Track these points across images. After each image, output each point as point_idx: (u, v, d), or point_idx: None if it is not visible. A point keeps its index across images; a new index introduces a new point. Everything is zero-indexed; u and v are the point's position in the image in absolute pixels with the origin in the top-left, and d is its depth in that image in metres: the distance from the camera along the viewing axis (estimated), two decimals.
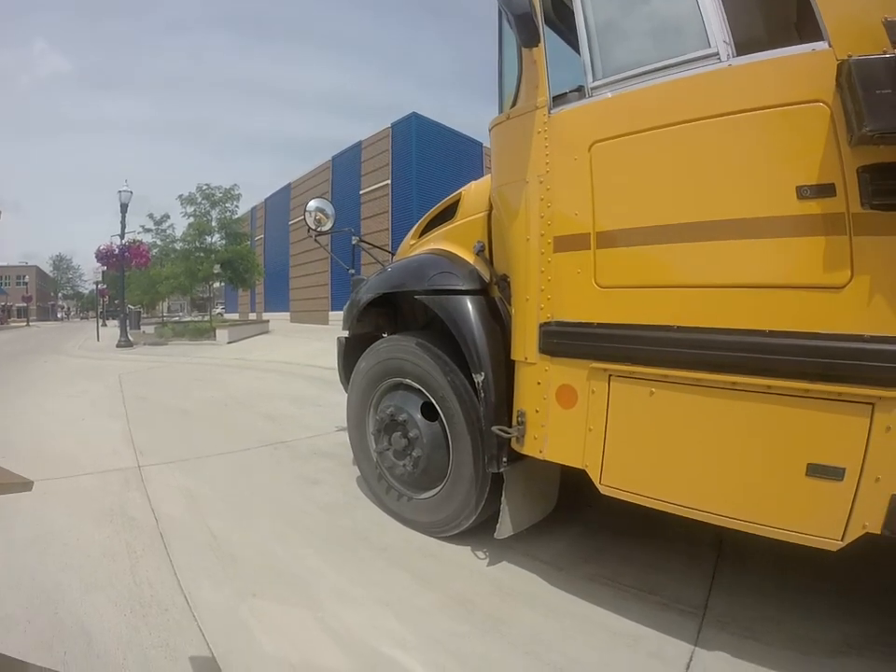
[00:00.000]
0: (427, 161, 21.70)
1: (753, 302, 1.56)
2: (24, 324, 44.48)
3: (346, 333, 3.30)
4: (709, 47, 1.68)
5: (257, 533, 2.62)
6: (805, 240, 1.48)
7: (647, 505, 1.82)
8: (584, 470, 1.94)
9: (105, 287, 31.85)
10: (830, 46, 1.44)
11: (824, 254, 1.45)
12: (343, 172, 26.06)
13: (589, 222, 1.88)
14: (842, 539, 1.44)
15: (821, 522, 1.48)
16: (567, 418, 1.96)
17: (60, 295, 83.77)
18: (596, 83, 1.93)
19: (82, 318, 68.70)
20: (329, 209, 3.77)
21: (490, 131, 2.34)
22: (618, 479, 1.87)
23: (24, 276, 71.41)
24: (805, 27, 1.58)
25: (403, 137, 22.33)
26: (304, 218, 3.75)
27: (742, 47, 1.68)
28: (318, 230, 3.71)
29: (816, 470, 1.46)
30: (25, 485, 1.06)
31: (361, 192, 24.25)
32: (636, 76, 1.83)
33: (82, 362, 11.51)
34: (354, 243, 3.84)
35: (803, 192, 1.47)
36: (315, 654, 1.75)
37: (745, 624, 1.87)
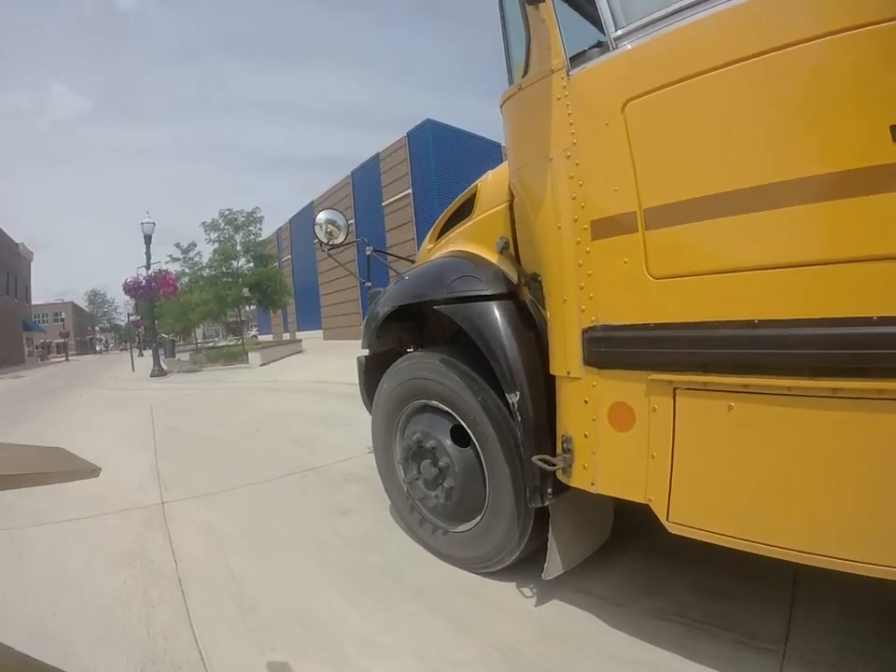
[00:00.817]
0: (447, 167, 21.65)
1: (856, 281, 1.20)
2: (63, 359, 46.00)
3: (366, 351, 3.03)
4: None
5: (280, 573, 2.44)
6: None
7: (728, 545, 1.48)
8: (646, 505, 1.60)
9: (138, 318, 32.70)
10: None
11: None
12: (364, 185, 26.29)
13: (633, 199, 1.53)
14: None
15: None
16: (624, 443, 1.61)
17: (97, 328, 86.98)
18: (620, 32, 1.59)
19: (122, 350, 70.96)
20: (341, 220, 3.54)
21: (501, 107, 2.03)
22: (690, 515, 1.52)
23: (60, 313, 74.71)
24: None
25: (420, 145, 22.38)
26: (314, 232, 3.51)
27: None
28: (331, 243, 3.48)
29: None
30: (93, 472, 1.09)
31: (383, 204, 24.36)
32: (667, 16, 1.48)
33: (116, 394, 11.71)
34: (368, 253, 3.58)
35: None
36: None
37: (830, 660, 1.61)
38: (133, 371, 18.72)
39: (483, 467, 2.15)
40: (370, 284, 3.41)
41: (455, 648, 1.83)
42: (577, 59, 1.70)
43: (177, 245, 20.08)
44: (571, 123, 1.67)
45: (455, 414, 2.25)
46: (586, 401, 1.70)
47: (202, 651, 1.88)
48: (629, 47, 1.56)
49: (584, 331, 1.67)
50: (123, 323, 74.66)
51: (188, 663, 1.82)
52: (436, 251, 2.73)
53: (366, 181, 25.96)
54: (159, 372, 15.56)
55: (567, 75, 1.69)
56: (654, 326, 1.51)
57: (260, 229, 20.11)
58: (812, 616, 1.82)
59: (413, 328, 2.99)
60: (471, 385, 2.13)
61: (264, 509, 3.31)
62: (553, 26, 1.73)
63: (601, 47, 1.65)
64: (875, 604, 1.79)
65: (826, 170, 1.22)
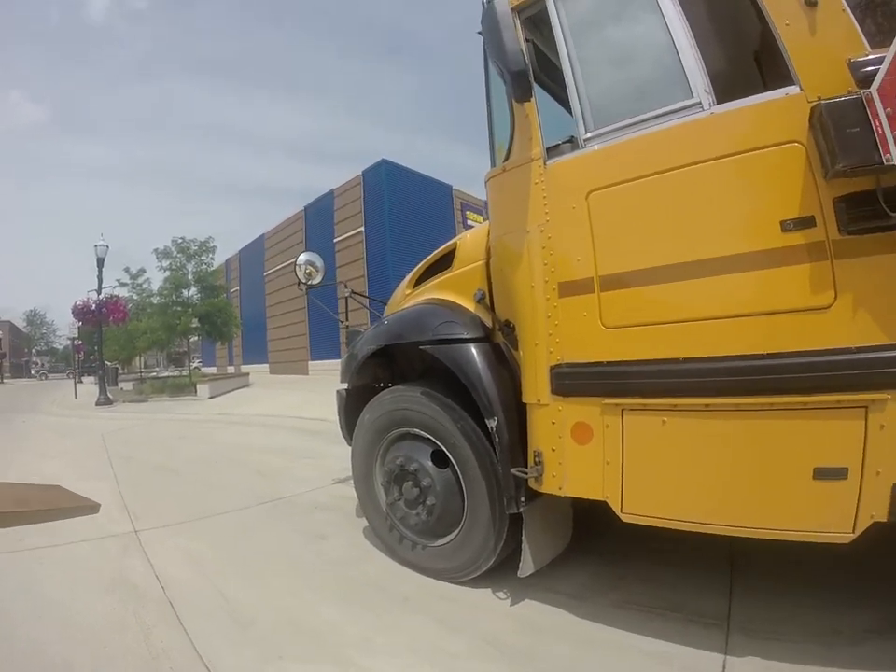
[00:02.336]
0: (399, 206, 22.07)
1: (750, 329, 1.70)
2: None
3: (345, 386, 3.31)
4: (692, 97, 1.85)
5: (271, 592, 2.57)
6: (792, 268, 1.64)
7: (668, 527, 1.91)
8: (604, 501, 2.01)
9: (80, 342, 31.24)
10: (801, 90, 1.63)
11: (810, 279, 1.62)
12: (317, 221, 26.30)
13: (591, 267, 2.00)
14: (853, 532, 1.57)
15: (832, 518, 1.61)
16: (585, 454, 2.04)
17: (34, 351, 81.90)
18: (589, 135, 2.08)
19: (63, 375, 67.01)
20: (319, 262, 3.84)
21: (486, 183, 2.46)
22: (638, 506, 1.95)
23: None
24: (778, 72, 1.75)
25: (374, 184, 22.70)
26: (294, 272, 3.80)
27: (724, 93, 1.85)
28: (309, 283, 3.77)
29: (822, 473, 1.61)
30: (93, 508, 1.11)
31: (335, 240, 24.43)
32: (625, 126, 1.98)
33: (62, 421, 11.30)
34: (347, 295, 3.89)
35: (786, 226, 1.64)
36: None
37: (769, 627, 1.96)
38: (76, 398, 17.91)
39: (461, 485, 2.47)
40: (347, 323, 3.71)
41: (446, 642, 2.09)
42: (552, 151, 2.18)
43: (126, 270, 19.39)
44: (546, 204, 2.14)
45: (435, 440, 2.57)
46: (553, 422, 2.12)
47: (208, 665, 1.97)
48: (595, 147, 2.06)
49: (552, 368, 2.11)
50: (61, 347, 70.70)
51: None
52: (413, 297, 3.08)
53: (319, 217, 26.02)
54: (104, 401, 15.00)
55: (545, 164, 2.16)
56: (607, 363, 1.97)
57: (212, 258, 19.82)
58: (748, 593, 2.21)
59: (386, 365, 3.30)
60: (451, 413, 2.47)
61: (241, 535, 3.40)
62: (535, 121, 2.21)
63: (572, 142, 2.14)
64: (806, 577, 2.22)
65: (731, 252, 1.74)
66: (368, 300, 4.06)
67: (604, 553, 2.73)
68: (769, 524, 1.72)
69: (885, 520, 1.53)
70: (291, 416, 9.42)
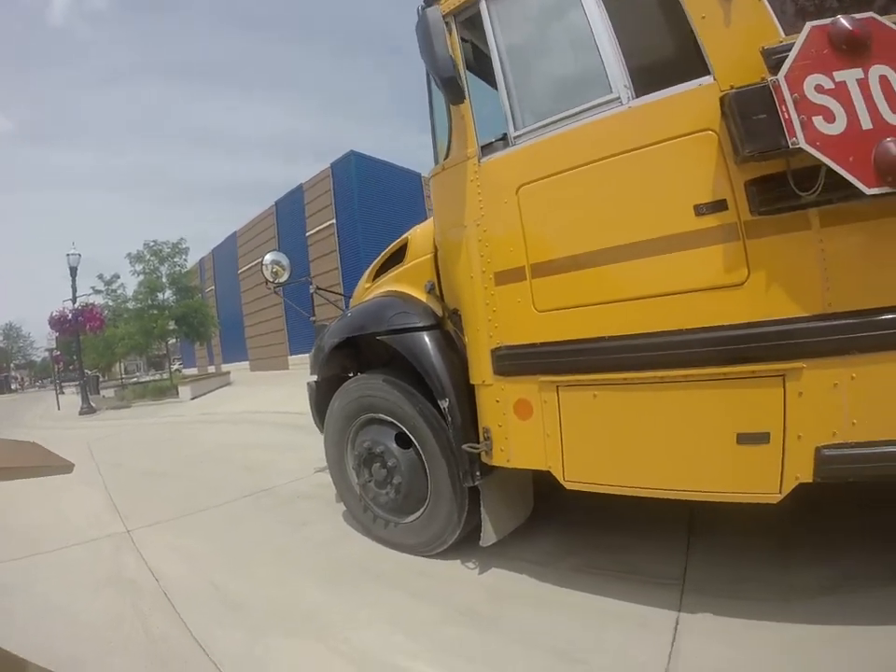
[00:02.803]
0: (369, 197, 21.99)
1: (669, 307, 1.84)
2: None
3: (315, 377, 3.48)
4: (611, 92, 1.97)
5: (258, 578, 2.71)
6: (707, 249, 1.77)
7: (608, 492, 2.08)
8: (549, 472, 2.18)
9: (59, 353, 30.84)
10: (714, 79, 1.74)
11: (724, 258, 1.74)
12: (288, 215, 26.12)
13: (523, 256, 2.16)
14: (780, 492, 1.69)
15: (759, 480, 1.74)
16: (527, 428, 2.21)
17: (12, 365, 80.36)
18: (518, 132, 2.22)
19: (39, 387, 65.73)
20: (285, 261, 3.96)
21: (430, 181, 2.61)
22: (578, 474, 2.12)
23: None
24: (698, 64, 1.83)
25: (343, 176, 22.59)
26: (262, 272, 3.92)
27: (643, 87, 1.96)
28: (276, 282, 3.91)
29: (744, 438, 1.74)
30: (66, 468, 1.09)
31: (307, 234, 24.33)
32: (551, 123, 2.12)
33: (47, 433, 11.19)
34: (312, 291, 4.04)
35: (699, 210, 1.77)
36: None
37: (723, 586, 2.09)
38: (59, 409, 17.76)
39: (423, 463, 2.65)
40: (314, 318, 3.87)
41: (419, 611, 2.26)
42: (486, 149, 2.32)
43: (100, 277, 19.28)
44: (481, 200, 2.29)
45: (397, 423, 2.75)
46: (498, 401, 2.30)
47: (203, 647, 2.11)
48: (524, 144, 2.20)
49: (493, 351, 2.28)
50: (39, 359, 69.28)
51: (193, 657, 2.06)
52: (373, 290, 3.24)
53: (290, 211, 25.85)
54: (87, 410, 14.91)
55: (479, 162, 2.30)
56: (541, 344, 2.13)
57: (185, 260, 19.71)
58: (705, 556, 2.35)
59: (353, 355, 3.45)
60: (410, 397, 2.65)
61: (228, 527, 3.56)
62: (469, 122, 2.34)
63: (504, 140, 2.28)
64: (763, 539, 2.35)
65: (650, 236, 1.87)
66: (334, 295, 4.20)
67: (567, 523, 2.90)
68: (699, 486, 1.86)
69: (810, 480, 1.63)
70: (273, 412, 9.50)
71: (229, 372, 22.44)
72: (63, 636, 2.33)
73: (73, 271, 16.02)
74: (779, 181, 1.61)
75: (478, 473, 2.39)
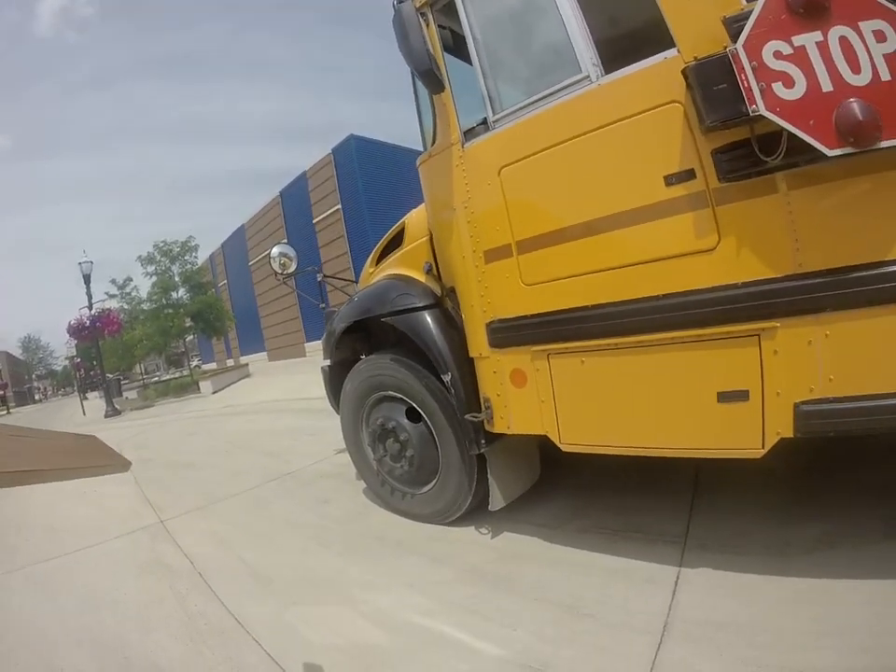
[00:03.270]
0: (373, 179, 21.86)
1: (646, 275, 1.92)
2: (5, 412, 43.16)
3: (328, 362, 3.63)
4: (581, 71, 2.03)
5: (285, 554, 2.89)
6: (678, 217, 1.83)
7: (602, 452, 2.19)
8: (546, 436, 2.30)
9: (79, 360, 31.48)
10: (679, 52, 1.77)
11: (694, 225, 1.80)
12: (294, 204, 26.08)
13: (508, 234, 2.25)
14: (763, 448, 1.75)
15: (741, 437, 1.80)
16: (523, 396, 2.33)
17: (34, 376, 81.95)
18: (496, 116, 2.30)
19: (63, 395, 67.11)
20: (291, 252, 4.08)
21: (418, 168, 2.70)
22: (573, 437, 2.23)
23: None
24: (665, 36, 1.85)
25: (345, 160, 22.44)
26: (270, 265, 4.06)
27: (613, 63, 2.01)
28: (285, 273, 4.04)
29: (725, 397, 1.80)
30: (125, 465, 1.08)
31: (314, 221, 24.30)
32: (525, 106, 2.20)
33: None
34: (319, 279, 4.17)
35: (669, 180, 1.82)
36: (357, 636, 2.04)
37: (723, 542, 2.17)
38: (85, 414, 18.10)
39: (433, 435, 2.79)
40: (323, 305, 4.00)
41: (435, 574, 2.41)
42: (469, 134, 2.41)
43: (113, 281, 19.63)
44: (466, 183, 2.39)
45: (407, 399, 2.89)
46: (495, 371, 2.42)
47: (237, 618, 2.28)
48: (503, 128, 2.28)
49: (487, 324, 2.40)
50: (60, 367, 70.54)
51: (228, 628, 2.22)
52: (377, 274, 3.36)
53: (295, 200, 25.79)
54: (113, 412, 15.30)
55: (463, 147, 2.39)
56: (530, 316, 2.24)
57: (196, 257, 19.93)
58: (708, 514, 2.43)
59: (363, 338, 3.59)
60: (416, 374, 2.78)
61: (256, 510, 3.75)
62: (451, 110, 2.43)
63: (485, 124, 2.37)
64: (765, 497, 2.43)
65: (624, 208, 1.94)
66: (340, 282, 4.32)
67: (574, 486, 3.01)
68: (685, 444, 1.95)
69: (791, 436, 1.68)
70: (292, 399, 9.70)
71: (247, 364, 22.70)
72: (109, 618, 2.51)
73: (86, 278, 16.30)
74: (744, 148, 1.65)
75: (483, 441, 2.52)
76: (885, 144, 1.44)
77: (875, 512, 2.10)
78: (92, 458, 1.12)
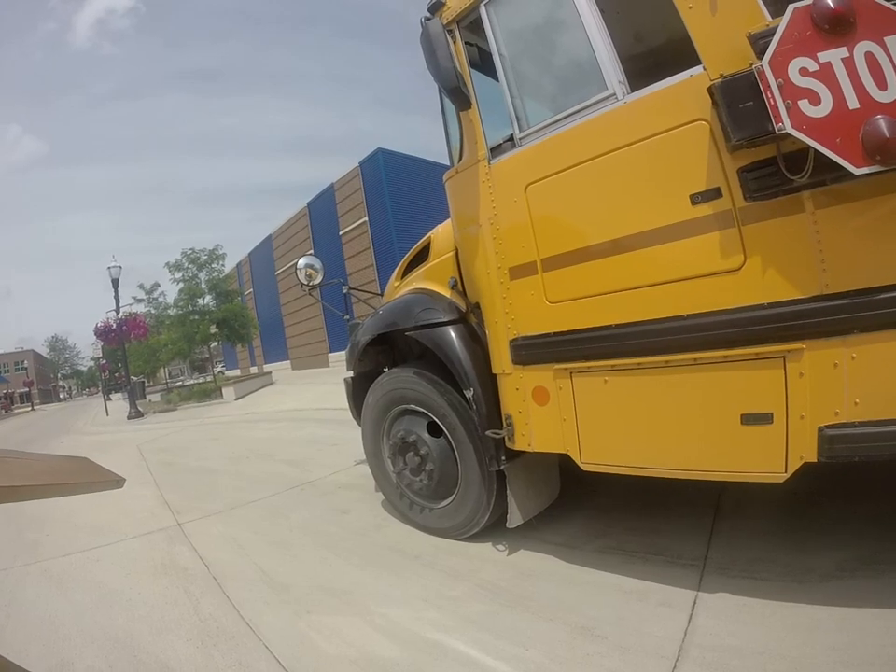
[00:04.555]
0: (400, 193, 22.16)
1: (672, 294, 1.91)
2: (29, 409, 44.23)
3: (351, 374, 3.65)
4: (607, 89, 2.04)
5: (301, 562, 2.89)
6: (704, 236, 1.82)
7: (622, 473, 2.17)
8: (567, 454, 2.29)
9: (105, 361, 32.11)
10: (704, 69, 1.77)
11: (720, 244, 1.79)
12: (321, 215, 26.49)
13: (534, 252, 2.27)
14: (785, 472, 1.73)
15: (764, 460, 1.78)
16: (545, 413, 2.33)
17: (59, 375, 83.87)
18: (523, 133, 2.32)
19: (88, 395, 68.50)
20: (318, 264, 4.14)
21: (445, 183, 2.73)
22: (593, 455, 2.22)
23: (23, 361, 70.86)
24: (690, 53, 1.86)
25: (373, 173, 22.78)
26: (296, 276, 4.11)
27: (638, 79, 2.02)
28: (311, 284, 4.09)
29: (749, 419, 1.78)
30: (118, 482, 1.11)
31: (341, 233, 24.64)
32: (552, 123, 2.21)
33: (98, 438, 11.74)
34: (345, 291, 4.22)
35: (695, 199, 1.82)
36: (370, 648, 2.03)
37: (743, 567, 2.15)
38: (108, 415, 18.47)
39: (454, 450, 2.79)
40: (348, 317, 4.04)
41: (450, 589, 2.40)
42: (495, 150, 2.43)
43: (140, 286, 20.07)
44: (493, 199, 2.40)
45: (428, 413, 2.90)
46: (517, 389, 2.42)
47: (250, 624, 2.27)
48: (529, 145, 2.29)
49: (511, 341, 2.40)
50: (85, 368, 72.15)
51: (240, 633, 2.21)
52: (402, 288, 3.39)
53: (322, 211, 26.21)
54: (136, 414, 15.53)
55: (489, 164, 2.42)
56: (554, 334, 2.24)
57: (223, 265, 20.27)
58: (728, 538, 2.40)
59: (386, 351, 3.62)
60: (439, 388, 2.79)
61: (273, 517, 3.75)
62: (478, 126, 2.46)
63: (511, 141, 2.38)
64: (787, 522, 2.41)
65: (651, 227, 1.94)
66: (364, 294, 4.36)
67: (594, 507, 2.99)
68: (707, 466, 1.92)
69: (815, 460, 1.65)
70: (315, 408, 9.75)
71: (270, 372, 22.97)
72: (122, 616, 2.53)
73: (115, 282, 16.66)
74: (770, 166, 1.64)
75: (503, 458, 2.51)
76: None
77: None
78: (85, 476, 1.14)
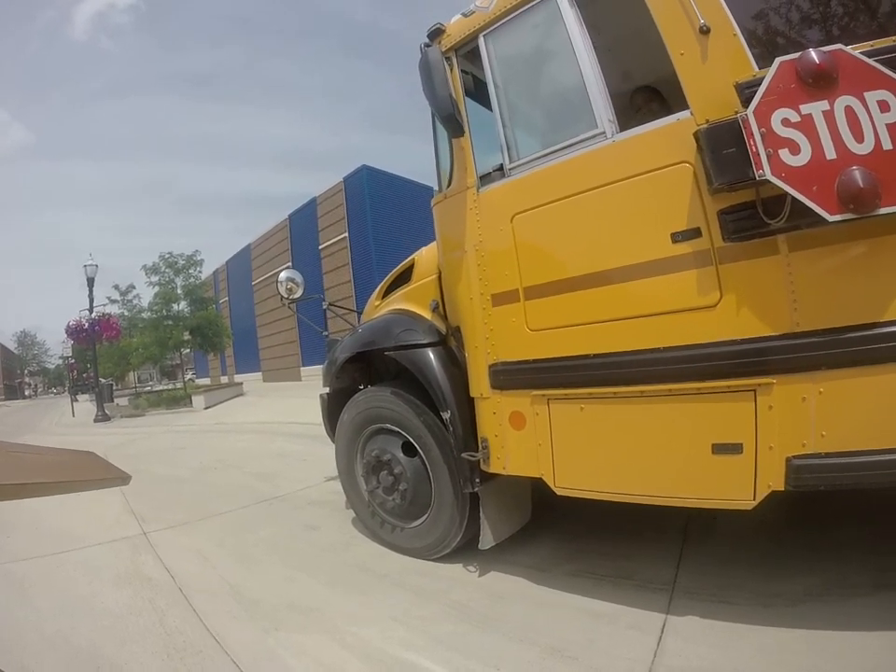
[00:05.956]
0: (382, 211, 22.26)
1: (649, 327, 1.99)
2: None
3: (327, 390, 3.67)
4: (597, 127, 2.12)
5: (269, 578, 2.86)
6: (683, 273, 1.91)
7: (595, 498, 2.22)
8: (542, 479, 2.33)
9: (74, 361, 31.34)
10: (691, 114, 1.86)
11: (698, 282, 1.87)
12: (301, 228, 26.43)
13: (517, 280, 2.33)
14: (754, 499, 1.79)
15: (733, 488, 1.85)
16: (521, 438, 2.37)
17: (26, 372, 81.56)
18: (512, 164, 2.39)
19: (55, 394, 66.55)
20: (299, 278, 4.17)
21: (433, 207, 2.80)
22: (568, 481, 2.27)
23: None
24: (679, 98, 1.96)
25: (356, 190, 22.85)
26: (277, 289, 4.13)
27: (629, 119, 2.12)
28: (291, 297, 4.11)
29: (720, 448, 1.85)
30: (124, 479, 1.13)
31: (320, 247, 24.59)
32: (542, 156, 2.29)
33: (63, 439, 11.42)
34: (324, 307, 4.25)
35: (675, 237, 1.90)
36: (338, 666, 2.02)
37: (711, 591, 2.20)
38: (74, 416, 18.11)
39: (428, 470, 2.81)
40: (327, 333, 4.07)
41: (420, 609, 2.40)
42: (484, 179, 2.50)
43: (116, 287, 19.72)
44: (479, 227, 2.47)
45: (404, 433, 2.92)
46: (494, 413, 2.46)
47: (216, 638, 2.23)
48: (518, 176, 2.37)
49: (490, 366, 2.45)
50: (53, 366, 70.31)
51: (207, 647, 2.18)
52: (382, 307, 3.43)
53: (303, 224, 26.16)
54: (102, 417, 15.23)
55: (478, 192, 2.48)
56: (533, 361, 2.30)
57: (200, 272, 20.00)
58: (697, 563, 2.45)
59: (363, 369, 3.63)
60: (415, 409, 2.82)
61: (242, 531, 3.70)
62: (468, 155, 2.52)
63: (501, 171, 2.45)
64: (755, 548, 2.47)
65: (632, 262, 2.02)
66: (344, 311, 4.39)
67: (566, 530, 3.02)
68: (678, 493, 1.99)
69: (782, 489, 1.73)
70: (286, 422, 9.64)
71: (241, 383, 22.65)
72: (84, 626, 2.46)
73: (90, 281, 16.35)
74: (749, 209, 1.73)
75: (477, 480, 2.54)
76: (884, 210, 1.51)
77: (863, 566, 2.17)
78: (91, 472, 1.16)
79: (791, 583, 2.16)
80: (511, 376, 2.38)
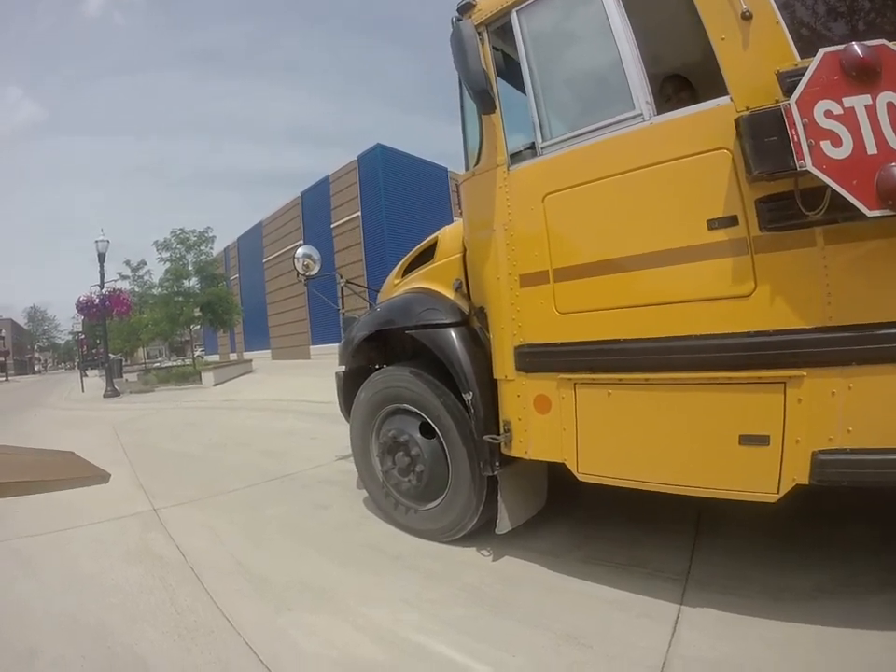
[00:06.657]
0: (395, 190, 22.17)
1: (681, 314, 1.94)
2: (3, 379, 43.54)
3: (342, 368, 3.62)
4: (634, 109, 2.06)
5: (280, 557, 2.85)
6: (718, 261, 1.86)
7: (618, 485, 2.18)
8: (564, 464, 2.29)
9: (84, 336, 31.59)
10: (731, 100, 1.81)
11: (732, 270, 1.83)
12: (313, 207, 26.40)
13: (546, 261, 2.26)
14: (778, 492, 1.78)
15: (758, 480, 1.83)
16: (545, 422, 2.33)
17: (36, 347, 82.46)
18: (545, 143, 2.32)
19: (65, 370, 67.35)
20: (316, 254, 4.10)
21: (459, 186, 2.72)
22: (591, 467, 2.23)
23: (0, 330, 68.73)
24: (719, 84, 1.90)
25: (370, 169, 22.76)
26: (293, 265, 4.06)
27: (659, 107, 2.05)
28: (308, 274, 4.04)
29: (746, 440, 1.83)
30: (104, 478, 1.12)
31: (333, 226, 24.57)
32: (576, 136, 2.22)
33: (73, 414, 11.58)
34: (341, 284, 4.17)
35: (712, 224, 1.86)
36: (350, 648, 2.01)
37: (723, 583, 2.18)
38: (83, 391, 18.22)
39: (445, 452, 2.77)
40: (344, 311, 4.00)
41: (431, 592, 2.38)
42: (515, 157, 2.43)
43: (127, 263, 19.75)
44: (509, 206, 2.40)
45: (422, 414, 2.87)
46: (518, 395, 2.41)
47: (228, 618, 2.23)
48: (550, 155, 2.30)
49: (516, 348, 2.40)
50: (62, 342, 71.11)
51: (218, 627, 2.17)
52: (402, 286, 3.37)
53: (316, 203, 26.13)
54: (112, 393, 15.30)
55: (508, 170, 2.41)
56: (560, 344, 2.25)
57: (211, 248, 20.01)
58: (710, 554, 2.43)
59: (379, 347, 3.59)
60: (435, 390, 2.77)
61: (252, 508, 3.69)
62: (499, 131, 2.45)
63: (532, 149, 2.38)
64: (768, 541, 2.45)
65: (665, 247, 1.97)
66: (361, 288, 4.31)
67: (579, 516, 3.00)
68: (702, 483, 1.96)
69: (807, 483, 1.72)
70: (295, 400, 9.68)
71: (251, 360, 22.76)
72: (94, 604, 2.47)
73: (101, 256, 16.31)
74: (787, 200, 1.69)
75: (497, 463, 2.50)
76: None
77: (874, 565, 2.14)
78: (72, 471, 1.15)
79: (801, 578, 2.14)
80: (537, 359, 2.33)
